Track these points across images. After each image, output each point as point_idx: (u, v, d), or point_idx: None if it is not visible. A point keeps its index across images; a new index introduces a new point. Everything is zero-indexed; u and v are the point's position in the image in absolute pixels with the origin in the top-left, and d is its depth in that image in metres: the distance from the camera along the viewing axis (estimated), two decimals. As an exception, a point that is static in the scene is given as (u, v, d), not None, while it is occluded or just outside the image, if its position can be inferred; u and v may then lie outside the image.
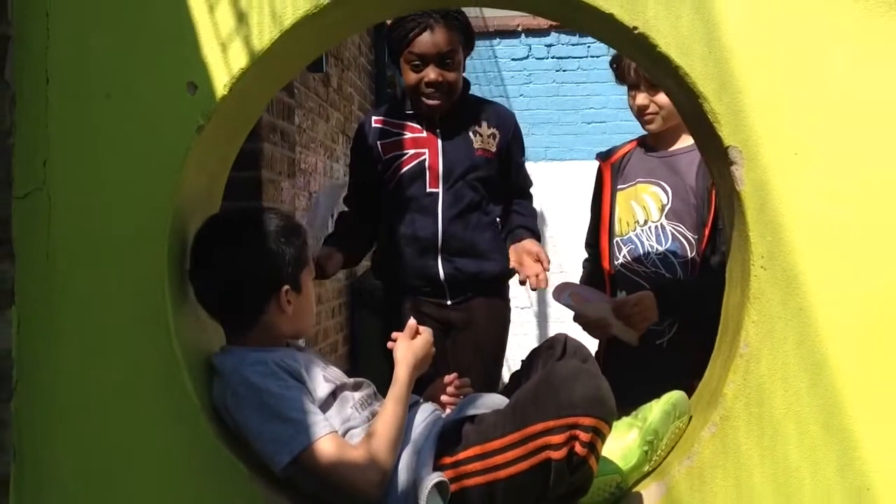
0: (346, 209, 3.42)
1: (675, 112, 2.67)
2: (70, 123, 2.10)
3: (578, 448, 1.93)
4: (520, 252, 3.14)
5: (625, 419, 2.20)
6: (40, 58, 2.10)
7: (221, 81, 2.08)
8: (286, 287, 2.17)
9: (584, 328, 2.95)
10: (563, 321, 3.02)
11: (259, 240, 2.18)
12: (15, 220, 2.09)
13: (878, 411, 2.00)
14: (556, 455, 1.93)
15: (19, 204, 2.10)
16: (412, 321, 2.30)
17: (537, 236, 3.34)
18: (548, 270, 3.04)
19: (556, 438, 1.93)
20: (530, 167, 3.51)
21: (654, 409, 2.17)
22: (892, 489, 1.99)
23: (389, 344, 2.28)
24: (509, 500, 2.01)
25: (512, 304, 3.52)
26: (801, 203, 2.02)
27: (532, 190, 3.50)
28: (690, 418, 2.20)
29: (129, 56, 2.10)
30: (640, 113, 2.96)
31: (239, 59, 2.08)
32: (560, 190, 7.36)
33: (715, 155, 2.13)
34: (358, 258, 3.43)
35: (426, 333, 2.28)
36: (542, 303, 7.91)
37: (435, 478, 1.97)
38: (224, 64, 2.08)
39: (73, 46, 2.10)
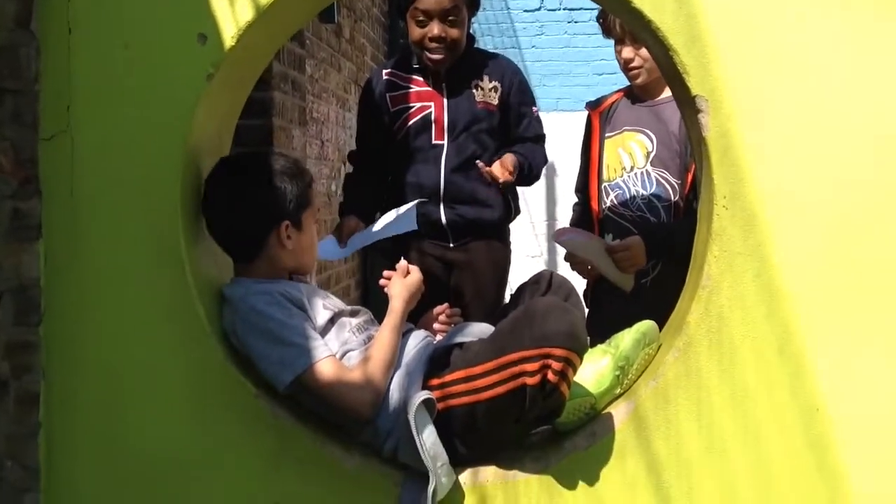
0: (351, 169, 3.55)
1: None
2: (91, 71, 2.26)
3: (551, 376, 2.09)
4: (496, 163, 3.29)
5: (599, 346, 2.37)
6: (63, 10, 2.25)
7: (229, 33, 2.23)
8: (286, 223, 2.34)
9: (573, 268, 3.11)
10: (571, 270, 3.18)
11: (263, 178, 2.34)
12: (42, 160, 2.26)
13: (829, 339, 2.16)
14: (531, 381, 2.10)
15: (45, 145, 2.26)
16: (403, 261, 2.48)
17: (528, 160, 3.41)
18: (510, 174, 3.23)
19: (531, 366, 2.09)
20: (542, 118, 3.58)
21: (626, 337, 2.34)
22: (840, 410, 2.16)
23: (382, 281, 2.45)
24: (489, 420, 2.19)
25: (522, 253, 3.64)
26: (760, 148, 2.17)
27: (543, 138, 3.57)
28: (660, 346, 2.37)
29: (145, 9, 2.25)
30: (625, 66, 3.09)
31: (245, 13, 2.23)
32: (571, 140, 7.43)
33: (685, 103, 2.29)
34: (374, 214, 3.58)
35: (416, 272, 2.46)
36: (551, 251, 8.05)
37: (423, 395, 2.16)
38: (232, 17, 2.23)
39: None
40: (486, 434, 2.22)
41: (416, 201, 3.21)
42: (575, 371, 2.15)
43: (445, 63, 3.31)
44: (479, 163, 3.26)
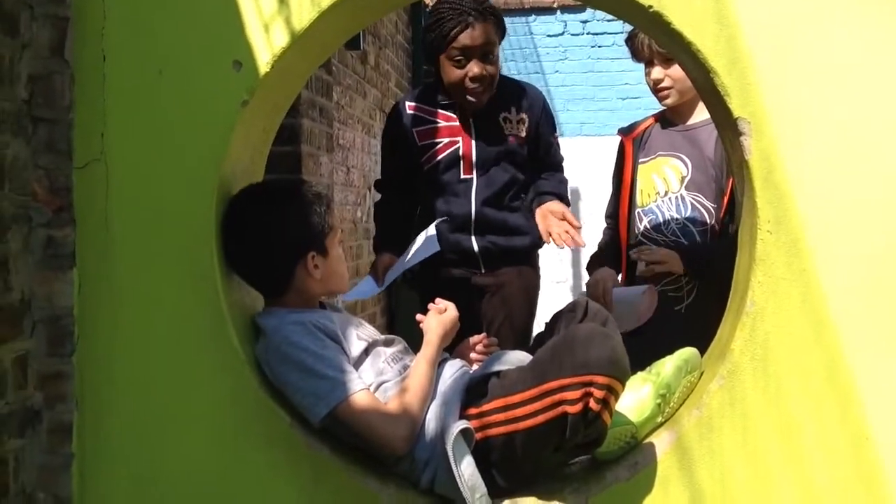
0: (380, 198, 3.52)
1: (689, 86, 2.77)
2: (125, 98, 2.26)
3: (593, 404, 2.04)
4: (545, 213, 3.24)
5: (639, 374, 2.33)
6: (97, 37, 2.25)
7: (264, 59, 2.22)
8: (312, 253, 2.31)
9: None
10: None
11: (282, 209, 2.31)
12: (76, 188, 2.25)
13: (877, 365, 2.11)
14: (572, 410, 2.05)
15: (79, 174, 2.26)
16: (439, 300, 2.44)
17: (564, 200, 3.41)
18: (578, 228, 3.12)
19: (572, 395, 2.05)
20: (566, 142, 3.56)
21: (667, 365, 2.29)
22: (890, 438, 2.11)
23: (419, 316, 2.42)
24: (529, 449, 2.15)
25: (549, 279, 3.62)
26: (804, 171, 2.13)
27: (564, 164, 3.56)
28: (702, 374, 2.32)
29: (179, 35, 2.25)
30: (655, 87, 3.07)
31: (280, 39, 2.22)
32: (595, 165, 7.45)
33: (726, 126, 2.25)
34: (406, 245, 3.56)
35: (452, 309, 2.43)
36: (577, 276, 8.02)
37: (461, 425, 2.12)
38: (267, 43, 2.23)
39: (127, 26, 2.25)
40: (525, 464, 2.18)
41: (435, 222, 3.17)
42: (617, 399, 2.11)
43: (483, 102, 3.29)
44: (547, 238, 3.19)
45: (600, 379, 2.04)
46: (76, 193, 2.26)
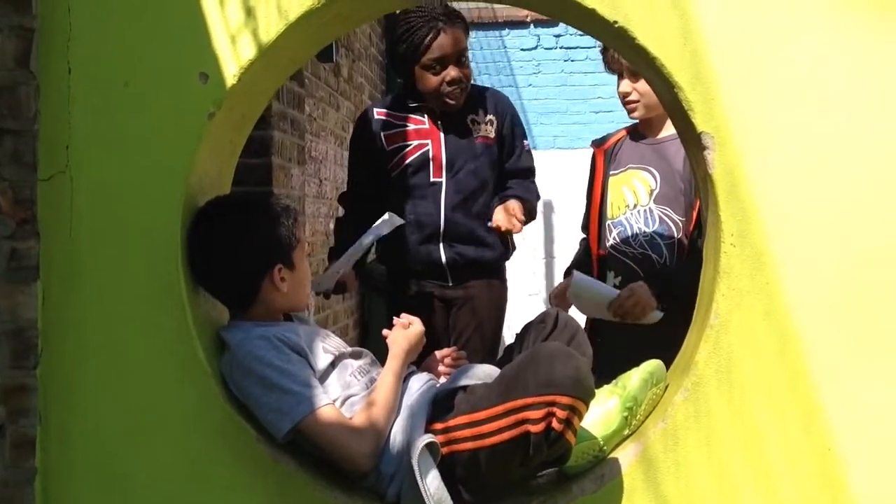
0: (343, 214, 3.52)
1: (657, 100, 2.80)
2: (90, 110, 2.24)
3: (555, 424, 2.03)
4: (499, 210, 3.31)
5: (606, 387, 2.33)
6: (63, 49, 2.24)
7: (231, 72, 2.22)
8: (279, 266, 2.29)
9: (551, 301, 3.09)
10: (571, 308, 3.15)
11: (249, 222, 2.30)
12: (40, 200, 2.24)
13: (839, 377, 2.13)
14: (535, 429, 2.04)
15: (44, 186, 2.24)
16: (404, 315, 2.44)
17: (527, 203, 3.43)
18: (521, 221, 3.28)
19: (535, 414, 2.04)
20: (540, 155, 3.59)
21: (633, 377, 2.30)
22: (853, 449, 2.12)
23: (384, 332, 2.42)
24: (492, 466, 2.14)
25: (522, 291, 3.64)
26: (768, 186, 2.15)
27: (534, 171, 3.58)
28: (667, 386, 2.33)
29: (145, 48, 2.24)
30: (623, 100, 3.10)
31: (247, 51, 2.22)
32: (568, 178, 7.48)
33: (690, 140, 2.27)
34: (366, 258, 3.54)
35: (418, 324, 2.42)
36: (550, 289, 8.02)
37: (426, 439, 2.11)
38: (233, 55, 2.22)
39: (93, 39, 2.24)
40: (490, 479, 2.17)
41: (386, 215, 3.17)
42: (581, 418, 2.10)
43: (461, 103, 3.31)
44: (491, 224, 3.28)
45: (563, 399, 2.03)
46: (40, 205, 2.24)
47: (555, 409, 2.03)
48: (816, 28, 2.16)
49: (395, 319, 2.42)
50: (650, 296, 2.90)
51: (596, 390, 2.28)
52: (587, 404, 2.09)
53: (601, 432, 2.25)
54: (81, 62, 2.25)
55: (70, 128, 2.24)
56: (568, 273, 3.29)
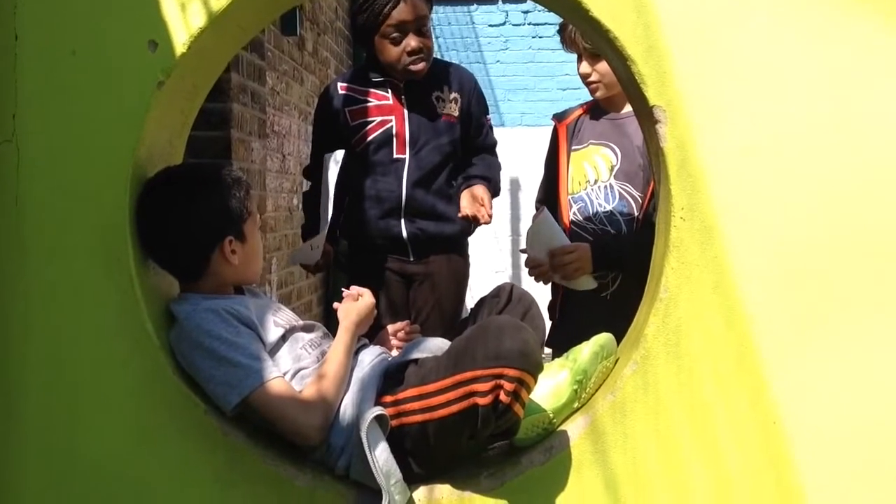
0: (309, 187, 3.50)
1: (615, 80, 2.80)
2: (38, 79, 2.21)
3: (503, 396, 2.04)
4: (466, 196, 3.33)
5: (557, 360, 2.34)
6: (9, 16, 2.20)
7: (180, 40, 2.19)
8: (229, 238, 2.27)
9: (530, 272, 3.09)
10: (533, 285, 3.15)
11: (200, 192, 2.27)
12: (-14, 169, 2.20)
13: (786, 351, 2.15)
14: (482, 402, 2.05)
15: (-10, 154, 2.20)
16: (353, 287, 2.44)
17: (491, 183, 3.46)
18: (491, 215, 3.30)
19: (483, 386, 2.04)
20: (506, 132, 3.61)
21: (584, 350, 2.31)
22: (798, 423, 2.14)
23: (335, 304, 2.41)
24: (441, 439, 2.15)
25: (488, 268, 3.67)
26: (719, 160, 2.16)
27: (497, 148, 3.61)
28: (617, 359, 2.34)
29: (93, 15, 2.20)
30: (583, 80, 3.10)
31: (197, 19, 2.19)
32: (535, 155, 7.48)
33: (643, 114, 2.27)
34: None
35: (368, 296, 2.42)
36: (515, 266, 8.04)
37: (376, 411, 2.11)
38: (183, 23, 2.19)
39: (40, 6, 2.20)
40: (439, 452, 2.18)
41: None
42: (529, 391, 2.11)
43: (423, 72, 3.30)
44: (461, 214, 3.31)
45: (511, 371, 2.03)
46: (-14, 175, 2.20)
47: (502, 382, 2.03)
48: (770, 3, 2.16)
49: (345, 291, 2.41)
50: (589, 260, 2.92)
51: (548, 363, 2.29)
52: (535, 377, 2.10)
53: (551, 405, 2.26)
54: (28, 30, 2.20)
55: (17, 96, 2.20)
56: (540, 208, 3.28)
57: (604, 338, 2.34)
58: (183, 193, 2.27)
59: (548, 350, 3.01)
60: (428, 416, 2.12)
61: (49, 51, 2.21)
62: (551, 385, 2.27)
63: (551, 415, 2.25)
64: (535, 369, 2.08)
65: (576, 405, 2.28)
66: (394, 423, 2.15)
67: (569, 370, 2.29)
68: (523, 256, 3.15)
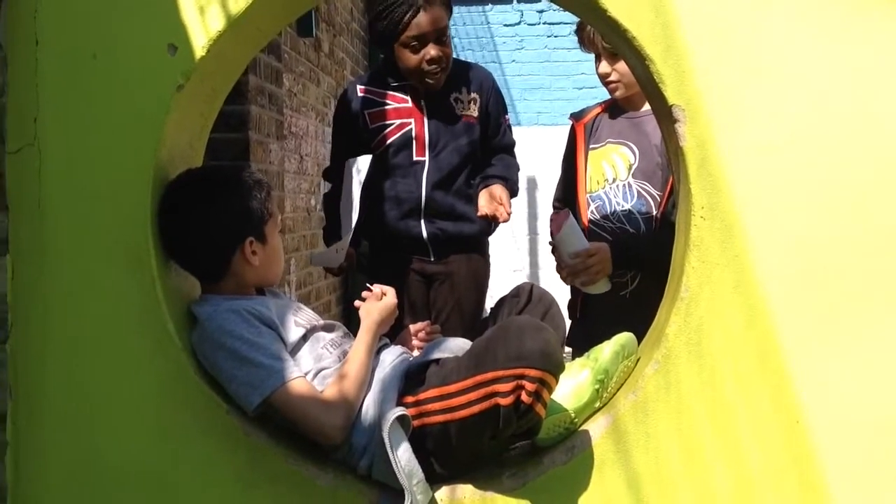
0: (329, 189, 3.51)
1: (634, 79, 2.79)
2: (59, 82, 2.22)
3: (524, 397, 2.04)
4: (484, 195, 3.32)
5: (578, 360, 2.34)
6: (30, 20, 2.21)
7: (199, 43, 2.20)
8: (250, 239, 2.29)
9: (558, 270, 3.07)
10: (553, 284, 3.14)
11: (221, 194, 2.28)
12: (8, 173, 2.22)
13: (808, 350, 2.14)
14: (504, 402, 2.05)
15: (12, 158, 2.22)
16: (377, 286, 2.44)
17: (509, 182, 3.45)
18: (509, 213, 3.29)
19: (504, 387, 2.04)
20: (522, 132, 3.61)
21: (605, 350, 2.31)
22: (821, 422, 2.13)
23: (356, 303, 2.41)
24: (462, 439, 2.15)
25: (506, 267, 3.67)
26: (739, 158, 2.15)
27: (515, 148, 3.61)
28: (638, 359, 2.34)
29: (113, 19, 2.21)
30: (603, 80, 3.09)
31: (216, 23, 2.20)
32: (552, 155, 7.48)
33: (662, 113, 2.27)
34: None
35: (391, 295, 2.41)
36: (533, 265, 8.04)
37: (398, 412, 2.12)
38: (202, 27, 2.20)
39: (61, 9, 2.22)
40: (460, 452, 2.18)
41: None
42: (551, 391, 2.11)
43: (441, 82, 3.30)
44: (478, 213, 3.29)
45: (532, 372, 2.03)
46: (9, 178, 2.22)
47: (524, 382, 2.03)
48: (789, 1, 2.15)
49: (366, 292, 2.42)
50: (609, 261, 2.92)
51: (569, 363, 2.29)
52: (556, 377, 2.10)
53: (572, 405, 2.25)
54: (49, 34, 2.22)
55: (38, 100, 2.22)
56: (558, 207, 3.27)
57: (624, 337, 2.34)
58: (204, 195, 2.28)
59: (568, 349, 3.01)
60: (449, 416, 2.12)
61: (69, 55, 2.22)
62: (573, 385, 2.27)
63: (573, 414, 2.25)
64: (556, 369, 2.08)
65: (597, 405, 2.28)
66: (415, 423, 2.15)
67: (590, 370, 2.29)
68: (541, 255, 3.17)
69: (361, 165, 3.23)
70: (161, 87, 2.20)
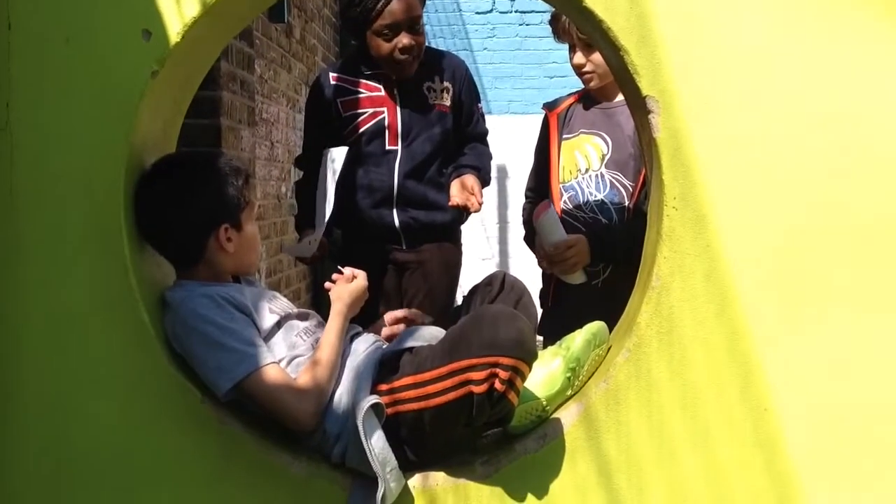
0: (301, 176, 3.50)
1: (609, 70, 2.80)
2: (31, 67, 2.20)
3: (498, 385, 2.06)
4: (456, 185, 3.33)
5: (550, 348, 2.36)
6: (2, 5, 2.19)
7: (174, 29, 2.18)
8: (225, 225, 2.28)
9: (537, 254, 3.09)
10: (523, 272, 3.16)
11: (197, 179, 2.28)
12: (-21, 158, 2.19)
13: (776, 339, 2.17)
14: (478, 390, 2.07)
15: (-17, 143, 2.19)
16: (347, 269, 2.43)
17: (481, 172, 3.46)
18: (481, 203, 3.29)
19: (478, 375, 2.06)
20: (493, 120, 3.60)
21: (577, 339, 2.33)
22: (787, 410, 2.16)
23: (327, 284, 2.41)
24: (436, 427, 2.16)
25: (475, 255, 3.66)
26: (711, 149, 2.17)
27: (488, 137, 3.61)
28: (609, 347, 2.36)
29: (87, 3, 2.19)
30: (577, 71, 3.10)
31: (191, 9, 2.18)
32: (523, 143, 7.48)
33: (636, 104, 2.28)
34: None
35: (362, 278, 2.42)
36: (503, 254, 8.06)
37: (371, 399, 2.13)
38: (177, 12, 2.18)
39: (33, -6, 2.19)
40: (434, 440, 2.20)
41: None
42: (524, 379, 2.13)
43: (413, 70, 3.29)
44: (451, 203, 3.29)
45: (505, 360, 2.05)
46: (-20, 164, 2.20)
47: (497, 371, 2.05)
48: (760, -5, 2.17)
49: (336, 275, 2.41)
50: (587, 253, 2.94)
51: (541, 351, 2.31)
52: (529, 365, 2.11)
53: (544, 392, 2.27)
54: (22, 18, 2.20)
55: (10, 84, 2.20)
56: (528, 238, 3.28)
57: (596, 326, 2.36)
58: (181, 179, 2.27)
59: (539, 338, 3.03)
60: (423, 403, 2.13)
61: (42, 39, 2.20)
62: (544, 373, 2.29)
63: (545, 402, 2.27)
64: (529, 358, 2.10)
65: (569, 393, 2.30)
66: (389, 411, 2.16)
67: (562, 358, 2.31)
68: (511, 244, 3.19)
69: (336, 156, 3.22)
70: (135, 72, 2.19)
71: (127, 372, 2.22)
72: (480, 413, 2.11)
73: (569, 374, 2.29)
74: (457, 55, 3.66)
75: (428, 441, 2.19)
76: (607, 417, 2.20)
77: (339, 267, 2.44)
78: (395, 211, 3.37)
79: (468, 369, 2.07)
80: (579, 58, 3.06)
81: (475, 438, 2.33)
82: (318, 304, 6.28)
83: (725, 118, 2.17)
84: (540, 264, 3.09)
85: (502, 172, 7.71)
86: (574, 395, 2.30)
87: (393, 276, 3.46)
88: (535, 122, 3.32)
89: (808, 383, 2.17)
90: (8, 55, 2.20)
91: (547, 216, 2.97)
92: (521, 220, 3.43)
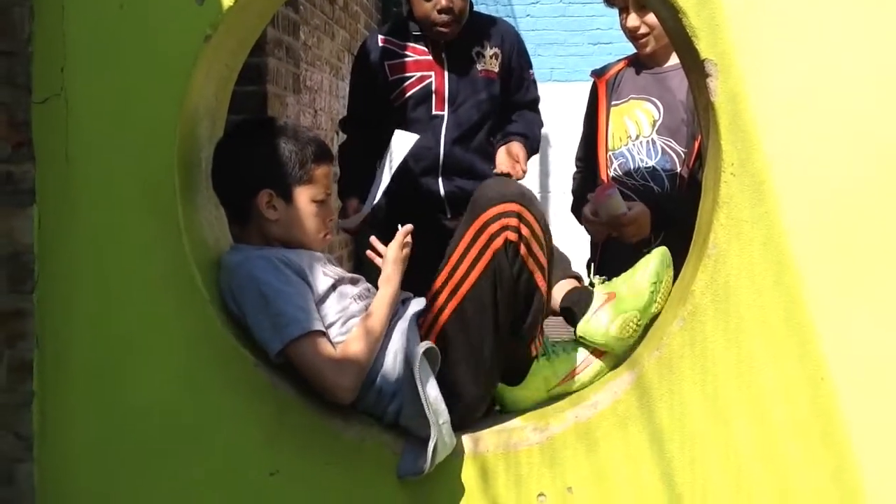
0: (346, 139, 3.47)
1: (664, 32, 2.75)
2: (86, 32, 2.21)
3: (510, 235, 2.17)
4: (502, 152, 3.30)
5: (627, 273, 2.39)
6: (57, -31, 2.19)
7: (227, -7, 2.18)
8: (269, 191, 2.29)
9: (587, 228, 3.07)
10: (566, 242, 3.13)
11: (261, 142, 2.31)
12: (35, 123, 2.21)
13: (834, 307, 2.14)
14: (496, 244, 2.18)
15: (38, 109, 2.21)
16: (404, 233, 2.42)
17: (529, 140, 3.42)
18: (525, 171, 3.25)
19: (494, 227, 2.18)
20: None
21: (651, 258, 2.36)
22: (846, 379, 2.14)
23: (369, 252, 2.40)
24: (477, 317, 2.22)
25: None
26: (770, 114, 2.13)
27: (538, 104, 3.56)
28: (674, 277, 2.38)
29: (141, -32, 2.20)
30: (632, 35, 3.04)
31: (244, -28, 2.18)
32: (566, 111, 7.42)
33: (693, 68, 2.25)
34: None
35: (408, 247, 2.41)
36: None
37: (425, 345, 2.11)
38: (230, -24, 2.18)
39: (87, -42, 2.19)
40: (481, 342, 2.22)
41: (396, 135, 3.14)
42: (533, 233, 2.21)
43: (454, 33, 3.26)
44: (495, 169, 3.24)
45: (512, 207, 2.17)
46: (35, 129, 2.21)
47: (507, 221, 2.17)
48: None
49: (399, 239, 2.38)
50: (648, 224, 2.90)
51: (621, 275, 2.40)
52: (534, 215, 2.20)
53: (634, 306, 2.31)
54: (75, -18, 2.20)
55: (65, 50, 2.21)
56: (574, 209, 3.24)
57: (661, 250, 2.39)
58: (248, 137, 2.35)
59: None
60: (459, 294, 2.21)
61: (97, 5, 2.21)
62: (631, 287, 2.34)
63: (638, 314, 2.31)
64: (530, 205, 2.22)
65: (653, 310, 2.32)
66: (434, 333, 2.20)
67: (643, 271, 2.34)
68: (553, 213, 3.15)
69: (405, 142, 3.14)
70: (188, 37, 2.19)
71: (180, 335, 2.24)
72: (505, 278, 2.19)
73: (652, 289, 2.31)
74: (507, 22, 3.62)
75: (477, 348, 2.22)
76: (660, 385, 2.19)
77: (399, 226, 2.41)
78: (440, 179, 3.34)
79: (484, 227, 2.18)
80: (633, 20, 3.01)
81: (525, 361, 2.35)
82: (360, 272, 6.26)
83: (786, 81, 2.13)
84: (591, 232, 3.06)
85: (544, 141, 7.61)
86: (658, 314, 2.34)
87: (436, 245, 3.43)
88: (578, 90, 3.28)
89: (865, 352, 2.14)
90: (62, 20, 2.20)
91: (613, 198, 2.91)
92: (563, 189, 3.39)
